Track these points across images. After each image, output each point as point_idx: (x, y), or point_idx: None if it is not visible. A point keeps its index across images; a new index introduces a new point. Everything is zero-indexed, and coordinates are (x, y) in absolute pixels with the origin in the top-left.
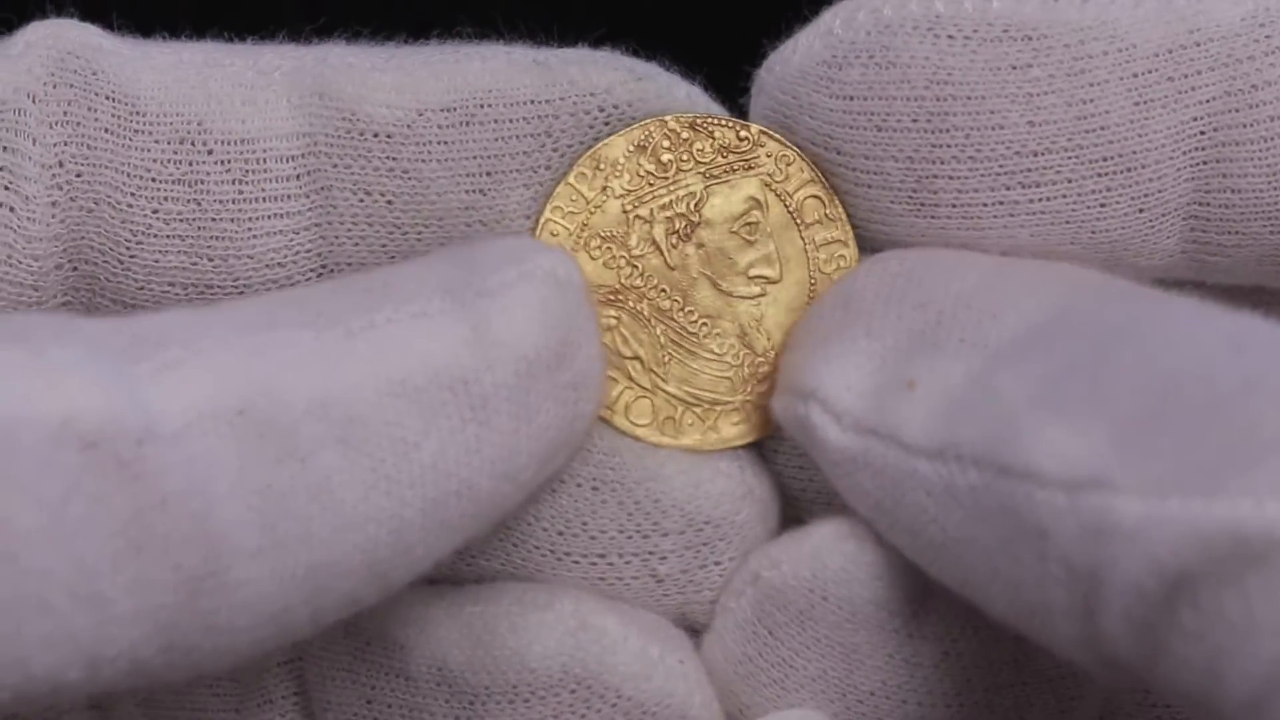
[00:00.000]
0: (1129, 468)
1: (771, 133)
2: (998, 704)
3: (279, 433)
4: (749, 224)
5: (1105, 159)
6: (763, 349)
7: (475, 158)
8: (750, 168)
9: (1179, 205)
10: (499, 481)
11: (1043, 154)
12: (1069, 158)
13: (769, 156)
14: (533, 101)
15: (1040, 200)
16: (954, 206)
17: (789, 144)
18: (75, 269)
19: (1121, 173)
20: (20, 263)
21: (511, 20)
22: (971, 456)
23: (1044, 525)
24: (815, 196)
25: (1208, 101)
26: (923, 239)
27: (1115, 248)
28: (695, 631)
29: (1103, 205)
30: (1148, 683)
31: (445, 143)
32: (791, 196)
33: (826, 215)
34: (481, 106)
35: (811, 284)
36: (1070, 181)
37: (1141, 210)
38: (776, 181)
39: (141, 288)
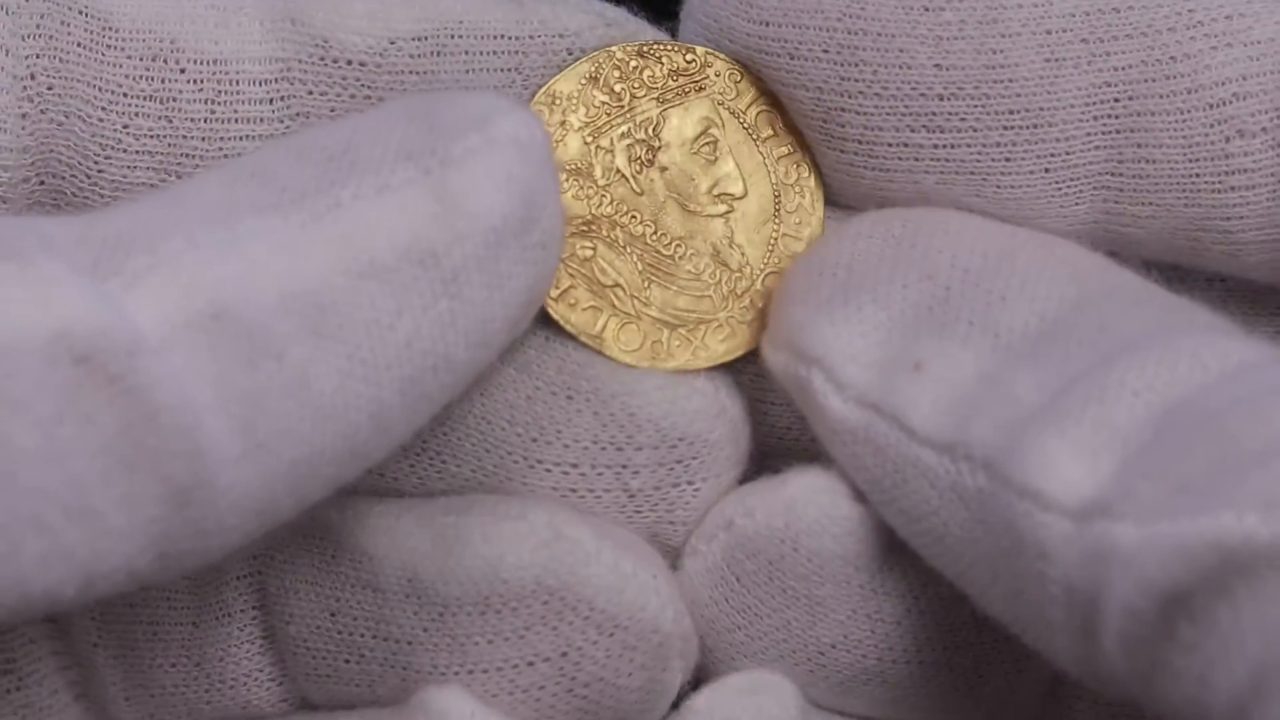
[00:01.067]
0: (1128, 494)
1: (717, 54)
2: (956, 662)
3: (253, 333)
4: (708, 143)
5: (1012, 112)
6: (737, 264)
7: (446, 88)
8: (701, 89)
9: (1089, 171)
10: (474, 350)
11: (948, 99)
12: (974, 106)
13: (718, 76)
14: (503, 36)
15: (944, 147)
16: (859, 143)
17: (736, 63)
18: (42, 182)
19: (1028, 128)
20: None
21: None
22: (982, 460)
23: (1044, 546)
24: (766, 110)
25: (1123, 69)
26: (835, 172)
27: (1021, 206)
28: (667, 555)
29: (1008, 160)
30: (1143, 700)
31: (416, 72)
32: (744, 113)
33: (780, 128)
34: (453, 37)
35: (776, 196)
36: (975, 131)
37: (1047, 170)
38: (728, 100)
39: (107, 202)
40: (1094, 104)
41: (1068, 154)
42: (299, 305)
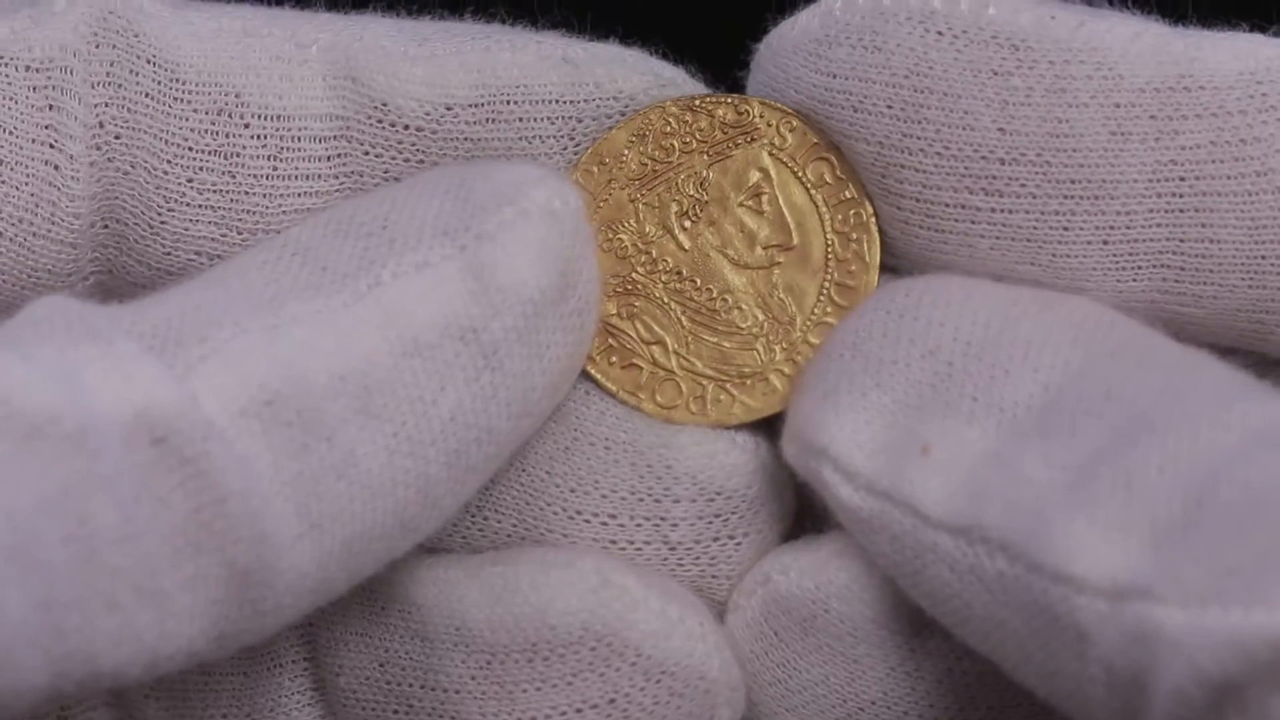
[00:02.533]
0: (1168, 575)
1: (771, 104)
2: None
3: (304, 416)
4: (757, 195)
5: (1074, 181)
6: (787, 316)
7: (499, 154)
8: (752, 140)
9: (1149, 248)
10: (517, 420)
11: (1010, 163)
12: (1036, 172)
13: (770, 126)
14: (558, 101)
15: (1002, 211)
16: (918, 201)
17: (791, 111)
18: (106, 227)
19: (1089, 199)
20: (63, 221)
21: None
22: (999, 542)
23: (1083, 628)
24: (822, 158)
25: (1191, 148)
26: (891, 228)
27: (1076, 276)
28: (713, 610)
29: (1065, 229)
30: None
31: (471, 139)
32: (797, 162)
33: (837, 176)
34: (508, 103)
35: (828, 245)
36: (1035, 197)
37: (1106, 242)
38: (781, 150)
39: (168, 253)
40: (1158, 180)
41: (1128, 228)
42: (347, 387)
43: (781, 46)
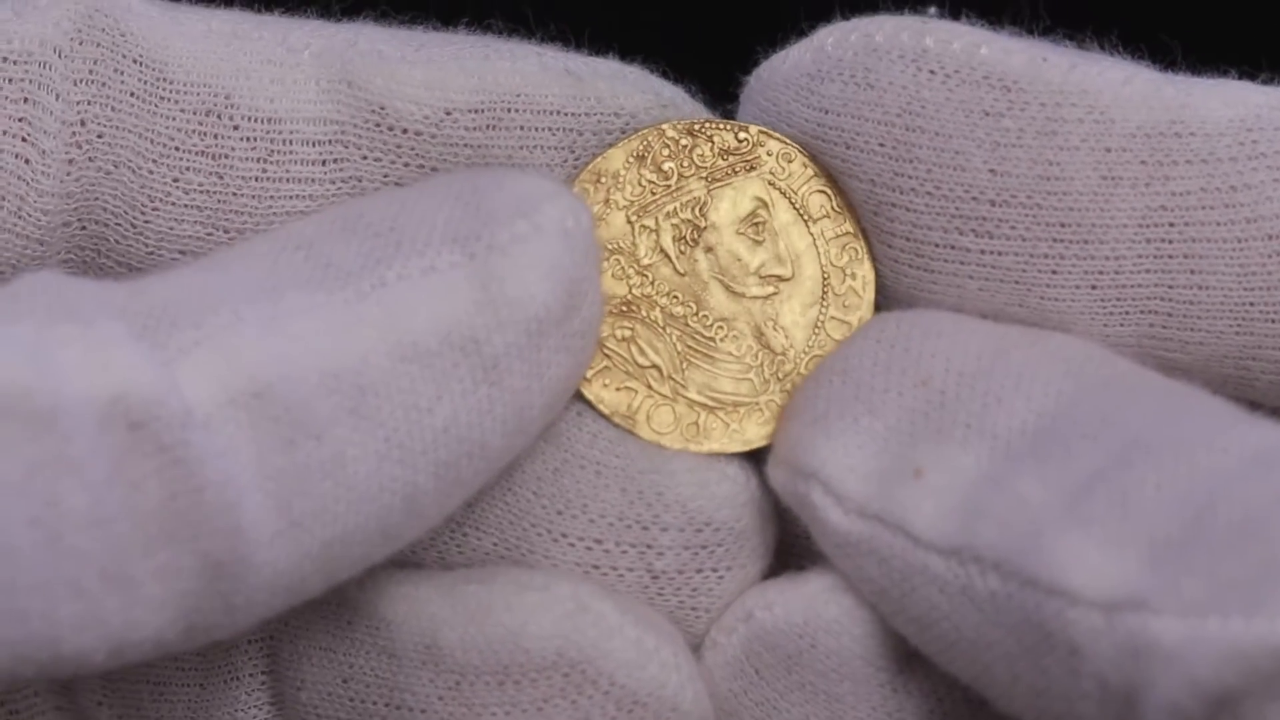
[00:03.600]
0: (1166, 588)
1: (772, 132)
2: None
3: (293, 412)
4: (755, 224)
5: (1063, 225)
6: (780, 347)
7: (499, 162)
8: (752, 168)
9: (1137, 293)
10: (510, 438)
11: (1000, 205)
12: (1026, 215)
13: (770, 155)
14: (559, 112)
15: (991, 253)
16: (907, 240)
17: (790, 141)
18: (84, 228)
19: (1078, 243)
20: (29, 216)
21: (520, 16)
22: (992, 561)
23: (1076, 642)
24: (820, 191)
25: (1181, 194)
26: (881, 265)
27: (1064, 320)
28: (689, 644)
29: (1054, 272)
30: None
31: (470, 145)
32: (796, 193)
33: (834, 209)
34: (509, 111)
35: (824, 279)
36: (1024, 240)
37: (1094, 287)
38: (780, 179)
39: (151, 253)
40: (1148, 226)
41: (1117, 273)
42: (340, 386)
43: (773, 80)
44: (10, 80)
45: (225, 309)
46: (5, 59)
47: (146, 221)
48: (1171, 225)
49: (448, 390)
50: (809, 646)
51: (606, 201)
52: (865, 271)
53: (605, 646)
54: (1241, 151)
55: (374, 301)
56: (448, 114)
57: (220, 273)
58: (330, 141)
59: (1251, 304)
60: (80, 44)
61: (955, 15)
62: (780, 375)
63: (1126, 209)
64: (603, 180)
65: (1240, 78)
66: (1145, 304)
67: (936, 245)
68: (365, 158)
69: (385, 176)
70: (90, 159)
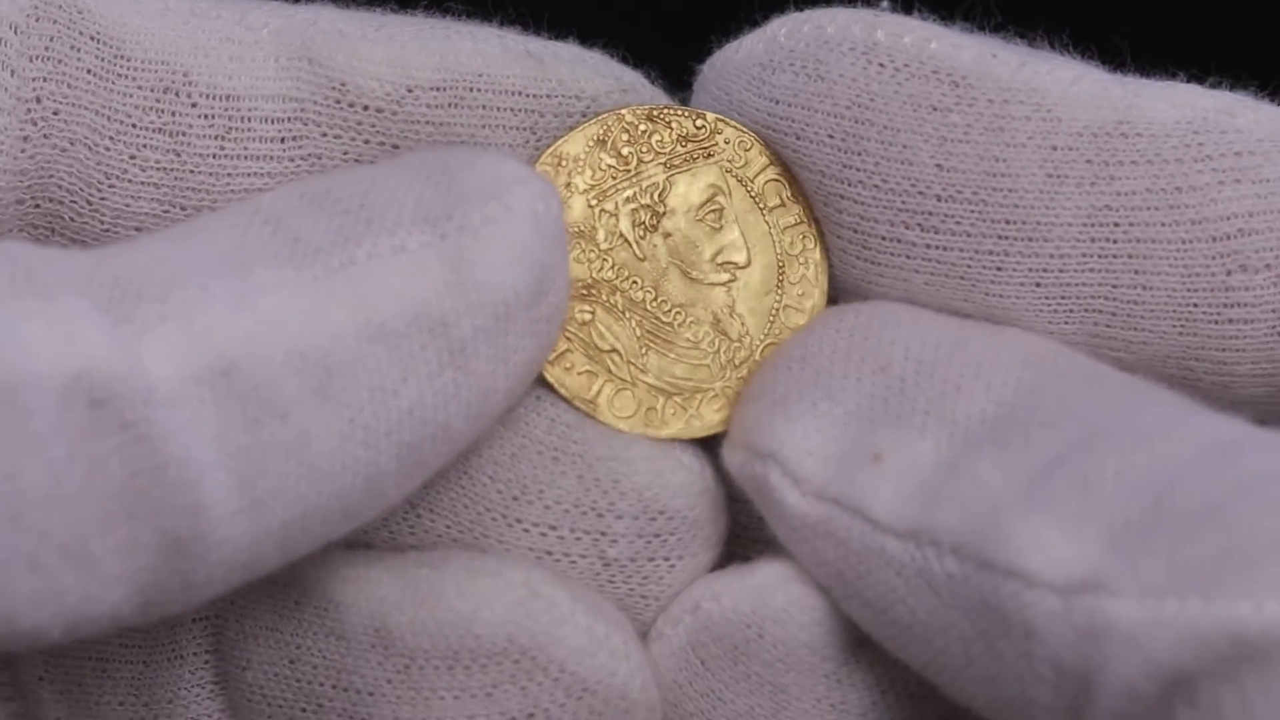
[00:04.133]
0: (1124, 570)
1: (729, 120)
2: None
3: (259, 391)
4: (713, 211)
5: (1008, 222)
6: (737, 334)
7: (461, 141)
8: (710, 155)
9: (1081, 292)
10: (474, 421)
11: (946, 200)
12: (971, 211)
13: (727, 143)
14: (521, 93)
15: (937, 248)
16: (855, 232)
17: (746, 130)
18: (37, 205)
19: (1023, 240)
20: None
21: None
22: (950, 544)
23: (1032, 624)
24: (775, 179)
25: (1126, 194)
26: (831, 254)
27: (1008, 316)
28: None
29: (999, 269)
30: None
31: (432, 123)
32: (752, 181)
33: (788, 198)
34: (470, 90)
35: (779, 267)
36: (969, 236)
37: (1038, 284)
38: (736, 167)
39: (106, 230)
40: (1093, 225)
41: (1061, 270)
42: (306, 365)
43: (725, 69)
44: None
45: (193, 283)
46: None
47: (103, 199)
48: (1116, 225)
49: (414, 373)
50: (756, 636)
51: (568, 185)
52: (818, 260)
53: (556, 633)
54: (1187, 154)
55: (343, 280)
56: (409, 91)
57: (186, 244)
58: (289, 119)
59: (1195, 305)
60: (37, 20)
61: (909, 10)
62: (736, 362)
63: (1072, 207)
64: (564, 163)
65: (1189, 81)
66: (1089, 303)
67: (883, 239)
68: (325, 135)
69: (345, 154)
70: (45, 136)
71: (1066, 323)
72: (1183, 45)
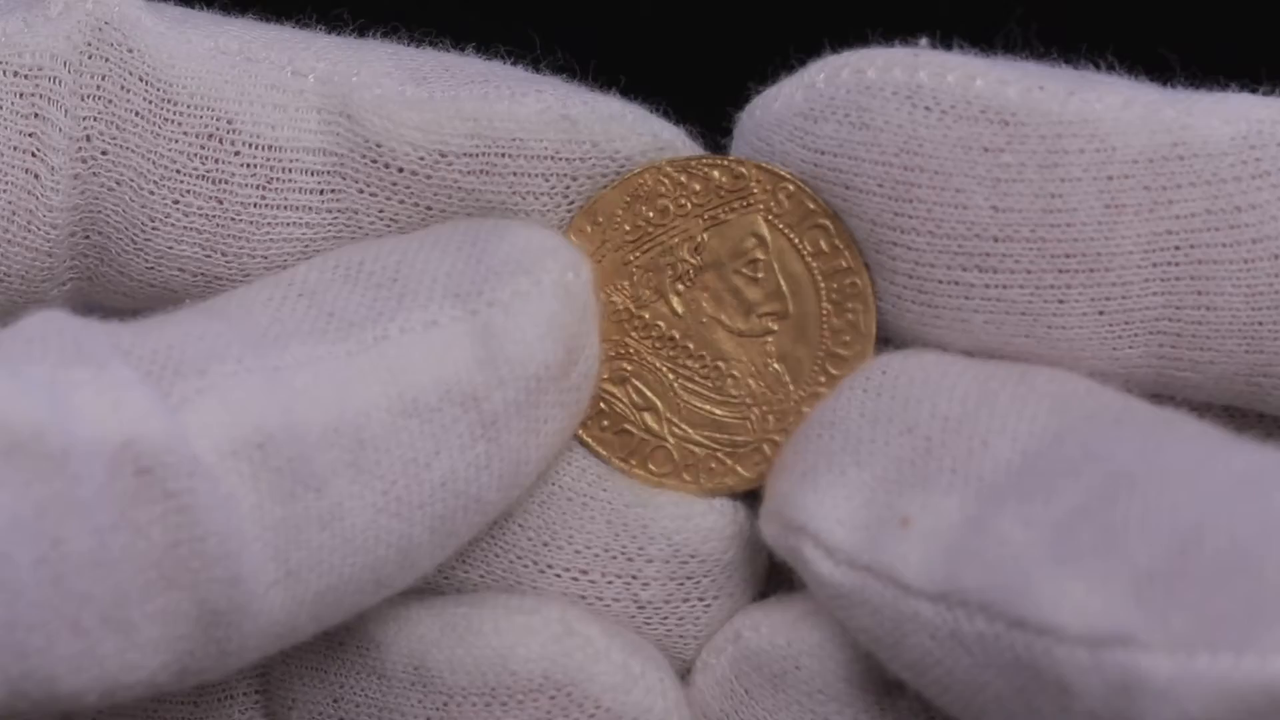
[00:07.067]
0: (1154, 623)
1: (768, 166)
2: None
3: (295, 464)
4: (752, 261)
5: (1069, 255)
6: (781, 385)
7: (493, 206)
8: (748, 205)
9: (1145, 316)
10: (506, 491)
11: (1004, 240)
12: (1030, 248)
13: (766, 192)
14: (553, 158)
15: (996, 287)
16: (910, 278)
17: (788, 177)
18: (87, 237)
19: (1084, 272)
20: (39, 230)
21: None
22: (979, 604)
23: (1066, 680)
24: (818, 226)
25: (1186, 217)
26: (883, 300)
27: (1073, 347)
28: (677, 669)
29: (1061, 302)
30: None
31: (464, 189)
32: (794, 230)
33: (834, 245)
34: (503, 156)
35: (822, 315)
36: (1030, 273)
37: (1102, 313)
38: (777, 216)
39: (150, 268)
40: (1154, 250)
41: (1124, 298)
42: (341, 439)
43: (765, 119)
44: (21, 95)
45: (230, 357)
46: (18, 73)
47: (147, 239)
48: (1177, 249)
49: (446, 446)
50: (793, 668)
51: (603, 242)
52: (865, 307)
53: (592, 670)
54: (1245, 170)
55: (376, 354)
56: (442, 156)
57: (222, 319)
58: (328, 172)
59: (1260, 323)
60: (89, 58)
61: (947, 42)
62: (780, 414)
63: (1131, 235)
64: (600, 221)
65: (1240, 90)
66: (1153, 325)
67: (940, 282)
68: (361, 191)
69: (380, 211)
70: (94, 174)
71: (1131, 347)
72: (1233, 53)
